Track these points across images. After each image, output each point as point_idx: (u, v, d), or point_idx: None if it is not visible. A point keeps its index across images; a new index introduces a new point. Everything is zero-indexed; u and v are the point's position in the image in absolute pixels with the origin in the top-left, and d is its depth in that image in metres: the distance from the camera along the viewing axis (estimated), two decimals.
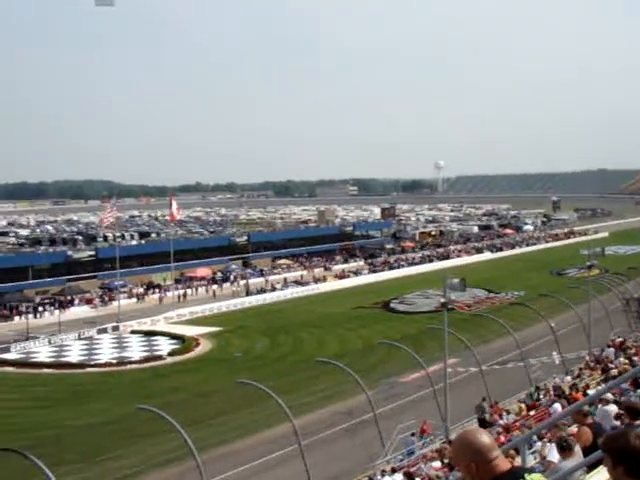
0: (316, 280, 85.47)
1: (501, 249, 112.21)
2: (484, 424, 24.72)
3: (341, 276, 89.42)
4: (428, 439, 26.60)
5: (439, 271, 78.35)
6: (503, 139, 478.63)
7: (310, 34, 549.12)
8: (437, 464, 19.65)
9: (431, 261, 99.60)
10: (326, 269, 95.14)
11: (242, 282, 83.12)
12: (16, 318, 64.62)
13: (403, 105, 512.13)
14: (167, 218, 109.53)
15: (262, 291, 78.18)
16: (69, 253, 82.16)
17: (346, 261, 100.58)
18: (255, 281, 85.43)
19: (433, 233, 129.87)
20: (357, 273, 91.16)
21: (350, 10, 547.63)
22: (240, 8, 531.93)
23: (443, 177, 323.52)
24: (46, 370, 47.81)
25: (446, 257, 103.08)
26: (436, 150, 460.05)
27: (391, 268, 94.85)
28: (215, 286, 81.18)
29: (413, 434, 27.03)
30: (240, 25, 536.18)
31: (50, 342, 55.31)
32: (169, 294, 76.71)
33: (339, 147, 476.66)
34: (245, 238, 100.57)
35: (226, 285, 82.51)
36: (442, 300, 29.79)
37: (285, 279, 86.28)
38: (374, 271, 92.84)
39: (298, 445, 23.98)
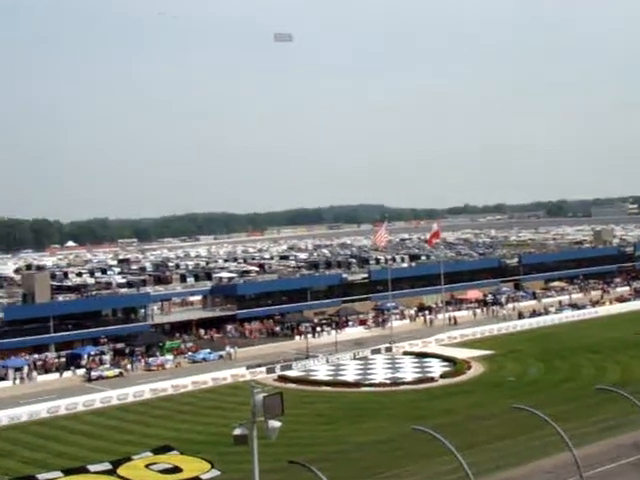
0: (593, 303, 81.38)
1: None
2: None
3: (621, 299, 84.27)
4: None
5: None
6: None
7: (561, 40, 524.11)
8: None
9: None
10: (604, 292, 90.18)
11: (513, 305, 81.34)
12: (297, 337, 68.59)
13: None
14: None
15: (535, 314, 75.88)
16: (344, 275, 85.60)
17: (627, 284, 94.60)
18: (527, 304, 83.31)
19: None
20: None
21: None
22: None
23: None
24: (325, 388, 50.08)
25: None
26: None
27: None
28: (479, 310, 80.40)
29: None
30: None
31: (328, 361, 57.95)
32: (439, 316, 77.06)
33: (617, 163, 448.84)
34: (516, 260, 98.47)
35: (496, 307, 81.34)
36: None
37: (559, 302, 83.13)
38: None
39: (579, 477, 22.85)
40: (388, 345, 61.92)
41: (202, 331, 71.01)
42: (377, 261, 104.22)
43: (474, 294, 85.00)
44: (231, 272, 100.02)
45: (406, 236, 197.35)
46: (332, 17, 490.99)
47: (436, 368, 54.48)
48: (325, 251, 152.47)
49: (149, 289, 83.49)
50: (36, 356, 60.30)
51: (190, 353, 62.95)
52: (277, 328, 72.43)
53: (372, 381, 51.47)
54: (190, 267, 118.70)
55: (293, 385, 50.85)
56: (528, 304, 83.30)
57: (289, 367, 55.53)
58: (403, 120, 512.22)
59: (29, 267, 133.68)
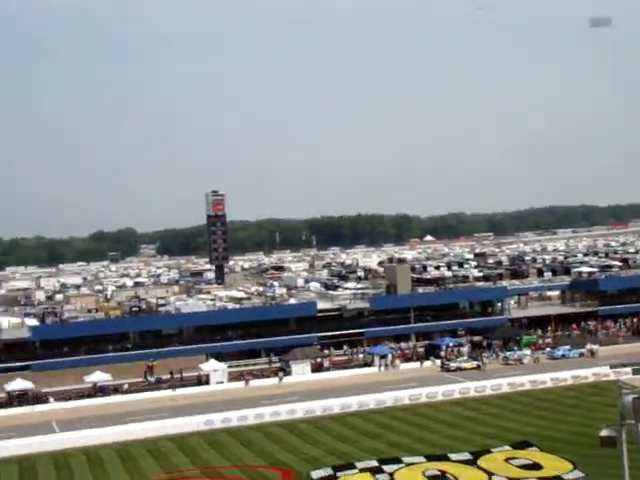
0: None
1: None
2: None
3: None
4: None
5: None
6: None
7: None
8: None
9: None
10: None
11: None
12: None
13: None
14: None
15: None
16: None
17: None
18: None
19: None
20: None
21: None
22: None
23: None
24: None
25: None
26: None
27: None
28: None
29: None
30: None
31: None
32: None
33: None
34: None
35: None
36: None
37: None
38: None
39: None
40: None
41: (560, 327, 68.96)
42: None
43: None
44: (591, 267, 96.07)
45: None
46: None
47: None
48: None
49: (505, 283, 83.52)
50: (401, 345, 63.58)
51: (549, 349, 61.49)
52: None
53: None
54: (547, 261, 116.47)
55: None
56: None
57: None
58: None
59: (391, 260, 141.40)
